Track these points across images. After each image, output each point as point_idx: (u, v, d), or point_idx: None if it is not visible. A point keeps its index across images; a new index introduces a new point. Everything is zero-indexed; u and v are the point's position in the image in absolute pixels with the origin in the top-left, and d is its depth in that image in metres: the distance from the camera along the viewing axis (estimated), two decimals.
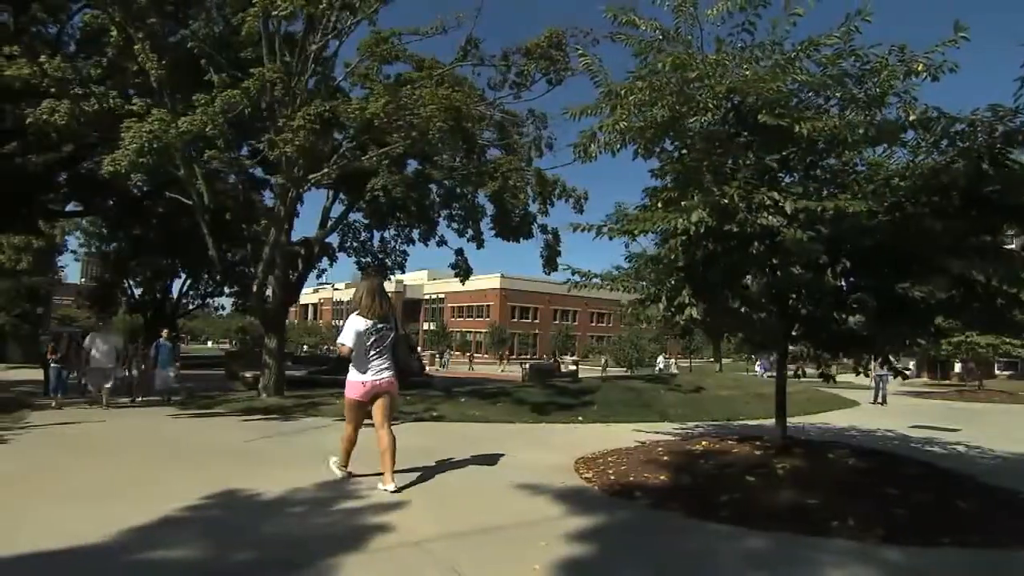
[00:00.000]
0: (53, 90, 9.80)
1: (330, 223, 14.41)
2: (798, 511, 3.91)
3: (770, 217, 4.59)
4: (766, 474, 4.63)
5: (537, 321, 54.74)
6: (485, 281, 50.76)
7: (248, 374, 18.78)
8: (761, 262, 4.97)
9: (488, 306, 52.97)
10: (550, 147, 10.93)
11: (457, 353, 47.23)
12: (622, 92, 4.96)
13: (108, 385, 10.28)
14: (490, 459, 6.01)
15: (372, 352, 4.53)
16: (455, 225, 16.04)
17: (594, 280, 6.89)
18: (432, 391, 12.95)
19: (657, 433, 7.99)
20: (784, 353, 5.72)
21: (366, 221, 16.72)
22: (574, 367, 26.06)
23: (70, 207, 19.87)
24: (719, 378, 16.84)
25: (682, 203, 5.09)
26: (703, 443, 5.95)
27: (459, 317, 55.94)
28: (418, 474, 5.09)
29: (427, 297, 59.80)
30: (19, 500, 4.12)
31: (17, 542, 3.16)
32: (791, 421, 10.10)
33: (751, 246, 4.96)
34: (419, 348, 49.83)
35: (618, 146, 5.87)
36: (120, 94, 12.18)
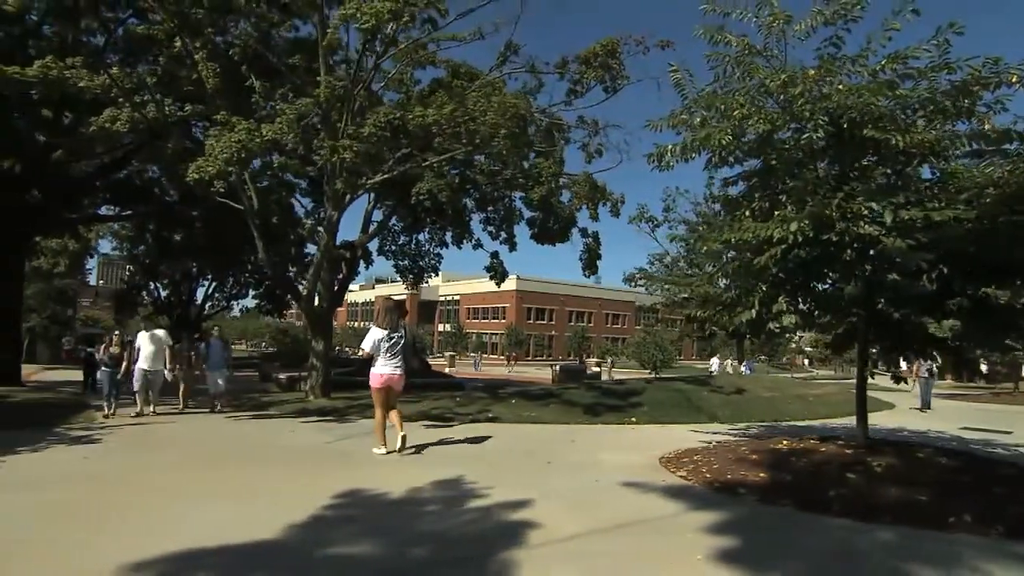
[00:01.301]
0: (121, 99, 10.11)
1: (372, 227, 14.64)
2: (911, 507, 4.08)
3: (867, 227, 4.78)
4: (865, 471, 4.80)
5: (552, 322, 54.93)
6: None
7: (283, 376, 19.09)
8: (853, 269, 5.15)
9: (504, 307, 53.20)
10: (600, 154, 11.16)
11: (474, 355, 47.48)
12: (721, 107, 5.14)
13: (154, 388, 9.71)
14: (575, 458, 6.22)
15: (387, 354, 6.16)
16: (490, 228, 16.32)
17: (664, 286, 7.18)
18: (477, 393, 13.16)
19: (715, 434, 8.15)
20: (865, 356, 5.89)
21: (400, 224, 17.04)
22: (597, 368, 26.23)
23: (103, 211, 20.32)
24: (756, 380, 16.95)
25: (775, 213, 5.30)
26: (784, 442, 6.12)
27: (474, 319, 56.19)
28: (521, 473, 5.30)
29: (442, 299, 60.14)
30: (157, 499, 4.33)
31: (199, 536, 3.37)
32: (836, 423, 10.30)
33: (844, 254, 5.15)
34: (432, 349, 50.24)
35: (694, 155, 6.11)
36: (173, 101, 12.51)
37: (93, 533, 3.51)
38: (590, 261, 13.99)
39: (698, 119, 5.88)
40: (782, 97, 5.16)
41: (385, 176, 10.36)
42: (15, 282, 15.18)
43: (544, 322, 54.46)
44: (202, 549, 3.17)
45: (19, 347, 15.54)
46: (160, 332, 10.43)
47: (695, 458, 5.93)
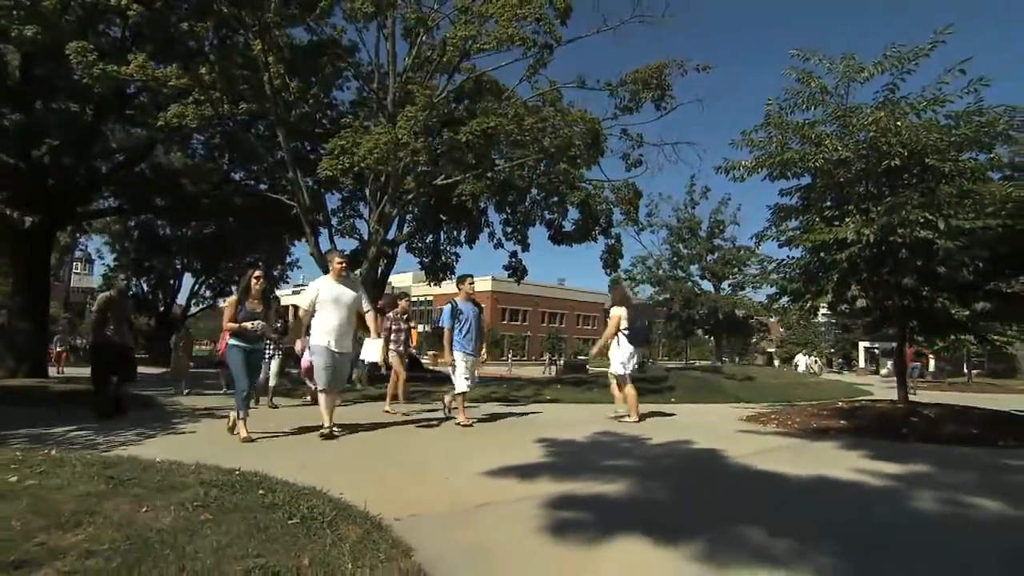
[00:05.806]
0: (203, 98, 10.74)
1: (407, 227, 15.53)
2: (970, 437, 5.53)
3: (923, 231, 6.26)
4: (922, 418, 6.27)
5: (527, 323, 56.39)
6: (476, 284, 51.96)
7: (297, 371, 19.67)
8: (907, 265, 6.64)
9: None
10: (640, 163, 12.54)
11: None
12: (813, 138, 6.55)
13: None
14: (672, 419, 7.43)
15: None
16: (508, 229, 17.52)
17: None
18: (516, 382, 14.24)
19: (752, 408, 9.50)
20: (904, 334, 7.42)
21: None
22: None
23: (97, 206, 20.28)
24: (760, 371, 18.83)
25: (845, 219, 6.75)
26: (841, 403, 7.58)
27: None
28: (647, 429, 6.37)
29: (415, 299, 60.46)
30: (421, 448, 5.23)
31: (505, 463, 4.26)
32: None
33: (900, 253, 6.65)
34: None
35: (760, 170, 7.55)
36: (231, 99, 13.06)
37: (434, 461, 4.41)
38: (612, 260, 15.32)
39: (774, 143, 7.34)
40: (863, 130, 6.60)
41: (455, 179, 11.38)
42: (42, 275, 15.15)
43: (518, 323, 55.84)
44: (519, 464, 4.14)
45: (47, 340, 15.50)
46: (351, 285, 5.84)
47: (772, 417, 7.29)
